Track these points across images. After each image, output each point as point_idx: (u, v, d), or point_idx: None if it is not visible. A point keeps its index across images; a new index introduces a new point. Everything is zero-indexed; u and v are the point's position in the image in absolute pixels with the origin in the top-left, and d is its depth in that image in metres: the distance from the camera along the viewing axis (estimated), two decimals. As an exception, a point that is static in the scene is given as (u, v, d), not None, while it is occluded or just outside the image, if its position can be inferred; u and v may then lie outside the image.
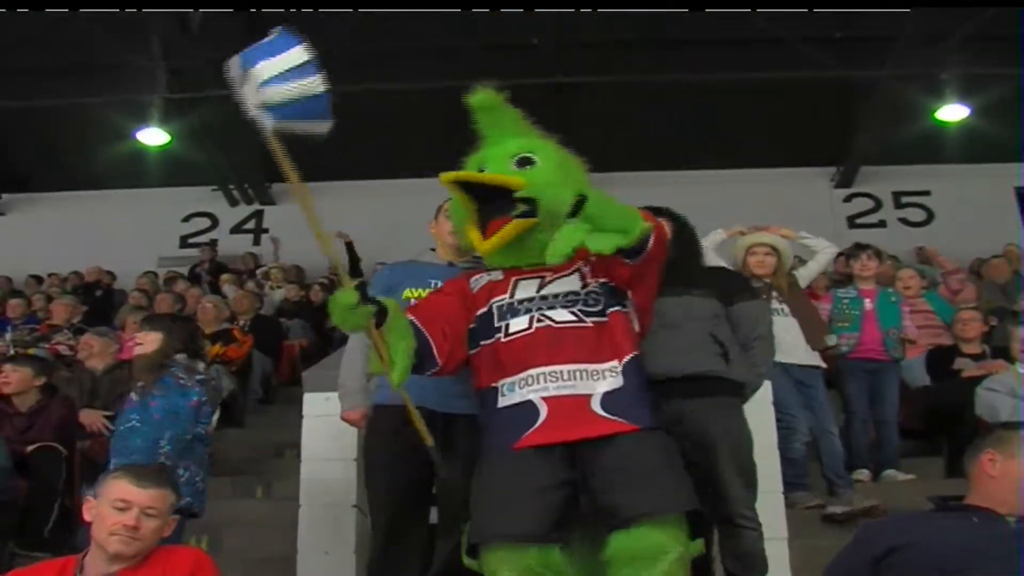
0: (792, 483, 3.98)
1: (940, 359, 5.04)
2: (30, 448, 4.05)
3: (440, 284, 2.53)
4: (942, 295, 6.24)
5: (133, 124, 9.41)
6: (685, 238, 2.78)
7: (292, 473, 3.93)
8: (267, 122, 1.96)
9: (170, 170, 10.45)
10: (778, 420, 3.85)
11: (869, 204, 10.78)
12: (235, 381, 5.86)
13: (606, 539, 2.00)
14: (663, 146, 10.08)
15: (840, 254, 8.15)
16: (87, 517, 2.20)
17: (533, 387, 2.09)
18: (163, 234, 10.99)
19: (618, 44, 9.28)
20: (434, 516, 2.84)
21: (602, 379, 2.09)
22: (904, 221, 10.63)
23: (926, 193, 10.64)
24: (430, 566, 2.80)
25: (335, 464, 3.59)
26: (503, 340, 2.17)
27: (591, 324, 2.14)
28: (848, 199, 10.79)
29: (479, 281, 2.32)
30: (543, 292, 2.20)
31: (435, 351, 2.17)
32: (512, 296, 2.21)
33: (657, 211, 2.83)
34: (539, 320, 2.15)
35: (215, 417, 3.86)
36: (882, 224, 10.60)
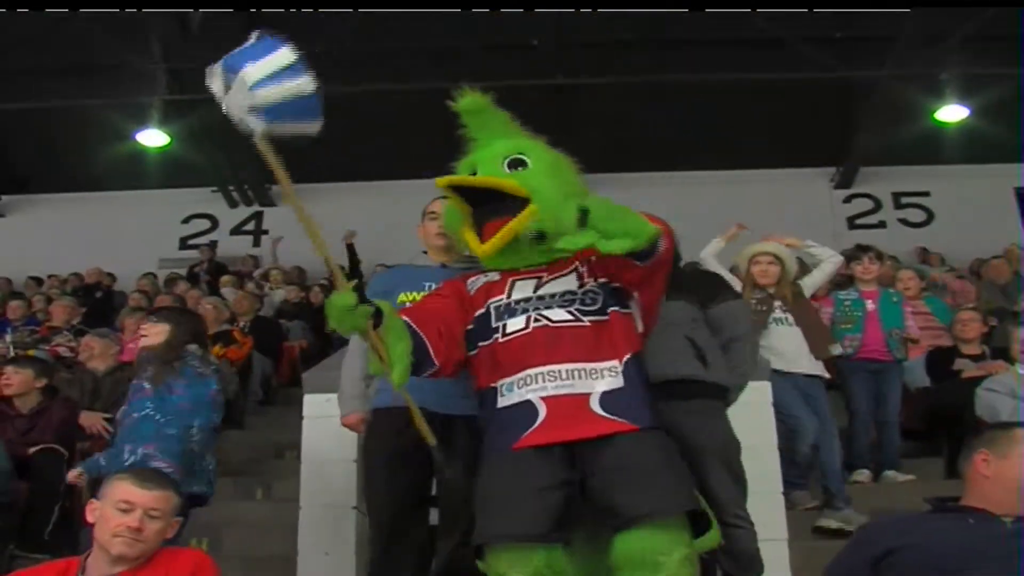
0: (792, 483, 3.98)
1: (940, 360, 5.04)
2: (31, 450, 4.05)
3: (434, 286, 2.52)
4: (948, 303, 6.23)
5: (133, 125, 9.43)
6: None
7: (292, 474, 3.93)
8: (257, 125, 1.96)
9: (170, 171, 10.46)
10: (783, 423, 3.87)
11: (869, 205, 10.79)
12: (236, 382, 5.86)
13: (608, 540, 2.00)
14: (663, 146, 10.09)
15: (840, 254, 8.21)
16: (90, 519, 2.20)
17: (531, 387, 2.08)
18: (163, 235, 11.00)
19: (618, 44, 9.29)
20: (435, 517, 2.84)
21: (601, 378, 2.08)
22: (904, 222, 10.64)
23: (926, 194, 10.65)
24: (430, 567, 2.81)
25: (335, 465, 3.59)
26: (500, 340, 2.16)
27: (588, 323, 2.13)
28: (848, 200, 10.81)
29: (476, 282, 2.32)
30: (540, 292, 2.20)
31: (431, 352, 2.16)
32: (509, 296, 2.21)
33: None
34: (536, 320, 2.15)
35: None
36: (882, 225, 10.61)
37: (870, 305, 4.72)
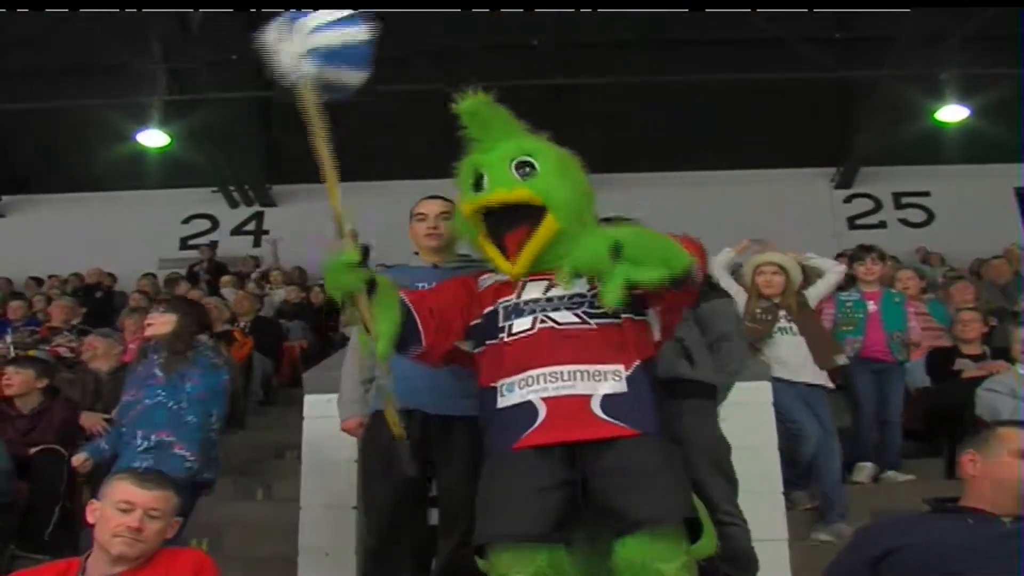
0: (792, 483, 3.99)
1: (940, 360, 5.03)
2: (32, 450, 4.05)
3: (427, 287, 2.53)
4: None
5: (133, 126, 9.43)
6: None
7: (293, 474, 3.93)
8: (310, 69, 2.03)
9: (170, 172, 10.47)
10: (785, 428, 3.87)
11: (869, 205, 10.79)
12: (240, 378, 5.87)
13: (608, 541, 2.00)
14: (663, 146, 10.09)
15: (841, 255, 8.20)
16: (90, 519, 2.20)
17: (533, 387, 2.08)
18: (163, 236, 11.00)
19: (618, 44, 9.30)
20: (434, 518, 2.85)
21: (604, 381, 2.08)
22: (904, 222, 10.64)
23: (926, 194, 10.65)
24: (430, 567, 2.81)
25: (335, 465, 3.59)
26: (506, 340, 2.17)
27: (595, 326, 2.13)
28: (848, 200, 10.81)
29: (486, 281, 2.32)
30: (549, 294, 2.19)
31: (421, 331, 2.18)
32: (519, 297, 2.21)
33: (608, 219, 2.86)
34: (542, 321, 2.15)
35: None
36: (882, 225, 10.61)
37: (872, 306, 4.72)
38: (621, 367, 2.09)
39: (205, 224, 11.29)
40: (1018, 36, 7.66)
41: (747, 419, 3.51)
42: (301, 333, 7.62)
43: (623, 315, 2.15)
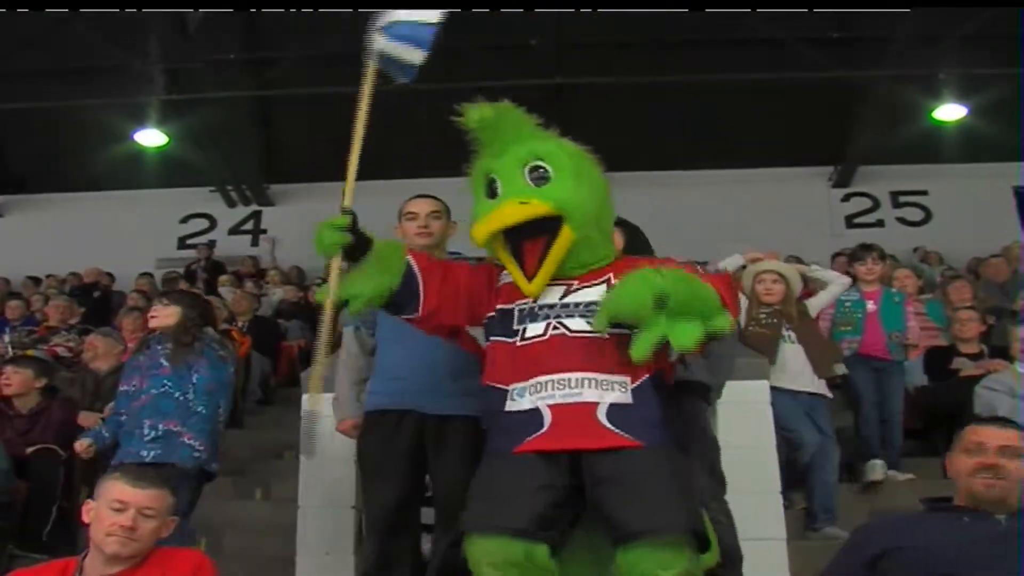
0: (790, 483, 3.99)
1: (938, 359, 5.04)
2: (29, 450, 4.05)
3: None
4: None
5: (131, 125, 9.42)
6: (638, 247, 2.78)
7: (291, 474, 3.92)
8: (377, 43, 2.21)
9: (168, 171, 10.45)
10: (783, 437, 3.86)
11: (867, 204, 10.79)
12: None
13: (609, 550, 1.99)
14: (661, 146, 10.09)
15: (840, 254, 8.21)
16: (85, 519, 2.20)
17: (541, 394, 2.07)
18: (161, 235, 10.99)
19: (618, 44, 9.28)
20: (429, 517, 2.86)
21: (611, 390, 2.06)
22: (902, 221, 10.64)
23: (924, 193, 10.65)
24: (425, 566, 2.81)
25: (334, 465, 3.58)
26: (519, 344, 2.15)
27: (606, 335, 2.09)
28: (846, 199, 10.81)
29: (506, 277, 2.29)
30: (565, 300, 2.18)
31: (421, 298, 2.20)
32: (535, 301, 2.19)
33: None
34: (555, 328, 2.13)
35: None
36: (880, 224, 10.61)
37: (871, 306, 4.72)
38: (627, 379, 2.07)
39: (203, 223, 11.28)
40: (1015, 35, 7.67)
41: (745, 419, 3.52)
42: (299, 332, 7.61)
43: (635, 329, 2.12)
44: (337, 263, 2.16)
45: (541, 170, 2.19)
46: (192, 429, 3.27)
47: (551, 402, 2.06)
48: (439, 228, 2.86)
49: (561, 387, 2.06)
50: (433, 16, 2.23)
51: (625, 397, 2.06)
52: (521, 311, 2.19)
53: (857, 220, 10.67)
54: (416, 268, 2.21)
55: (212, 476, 3.44)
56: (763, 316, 4.29)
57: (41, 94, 9.21)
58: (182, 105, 9.08)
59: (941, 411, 4.71)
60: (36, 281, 9.74)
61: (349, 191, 2.22)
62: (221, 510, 4.36)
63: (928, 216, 10.59)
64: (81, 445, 3.55)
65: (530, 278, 2.16)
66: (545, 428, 2.04)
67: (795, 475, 4.10)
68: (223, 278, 9.04)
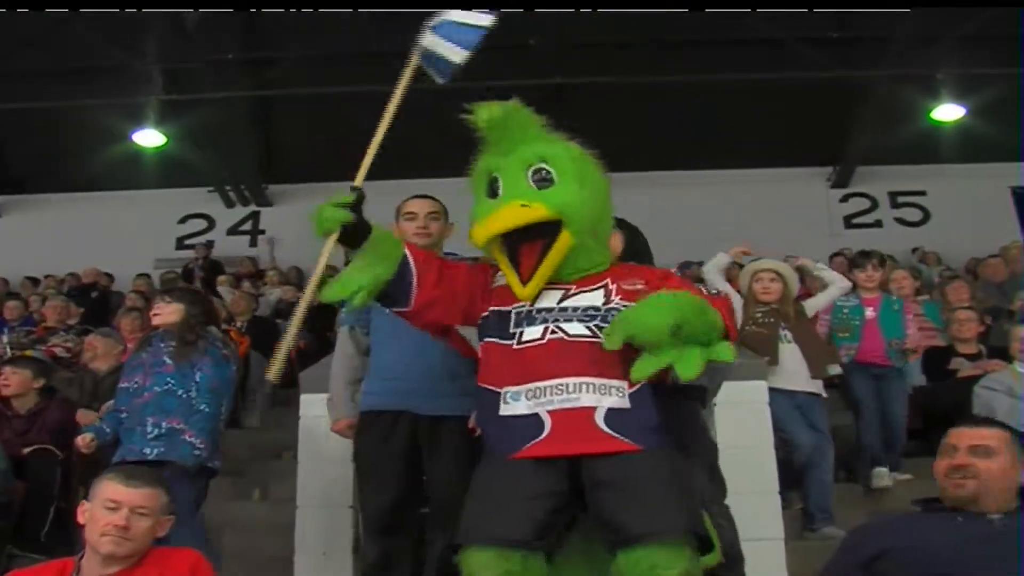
0: (786, 483, 3.99)
1: (936, 359, 5.04)
2: (26, 450, 4.05)
3: None
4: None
5: (129, 126, 9.40)
6: (637, 248, 2.79)
7: (290, 475, 3.93)
8: (423, 39, 2.25)
9: (166, 172, 10.44)
10: (780, 438, 3.86)
11: (865, 204, 10.80)
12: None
13: (603, 549, 1.99)
14: (660, 146, 10.09)
15: (838, 254, 8.22)
16: (81, 520, 2.20)
17: (539, 399, 2.06)
18: (160, 236, 10.98)
19: (618, 44, 9.29)
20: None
21: (608, 395, 2.06)
22: (900, 221, 10.65)
23: (922, 193, 10.66)
24: (423, 565, 2.82)
25: (332, 465, 3.59)
26: (515, 347, 2.14)
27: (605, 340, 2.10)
28: (844, 199, 10.82)
29: (501, 279, 2.28)
30: (563, 304, 2.17)
31: (413, 292, 2.18)
32: (533, 304, 2.19)
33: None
34: (553, 332, 2.12)
35: None
36: (878, 224, 10.62)
37: (870, 312, 4.70)
38: (624, 384, 2.07)
39: (201, 224, 11.27)
40: (1013, 35, 7.69)
41: (742, 419, 3.53)
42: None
43: None
44: (332, 241, 2.13)
45: (545, 173, 2.19)
46: (194, 427, 3.28)
47: (550, 408, 2.05)
48: (437, 229, 2.86)
49: (559, 392, 2.06)
50: (485, 20, 2.25)
51: (623, 402, 2.06)
52: (518, 314, 2.18)
53: (855, 220, 10.68)
54: (412, 261, 2.20)
55: (215, 472, 3.44)
56: (760, 315, 4.29)
57: (39, 94, 9.21)
58: (181, 105, 9.08)
59: (939, 411, 4.69)
60: (34, 281, 9.74)
61: (362, 172, 2.22)
62: (219, 510, 4.36)
63: (926, 216, 10.61)
64: (84, 440, 3.54)
65: (525, 282, 2.16)
66: (545, 434, 2.03)
67: (791, 476, 4.11)
68: (221, 278, 9.03)
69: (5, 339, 6.42)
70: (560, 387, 2.06)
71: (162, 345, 3.46)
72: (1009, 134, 8.71)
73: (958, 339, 5.08)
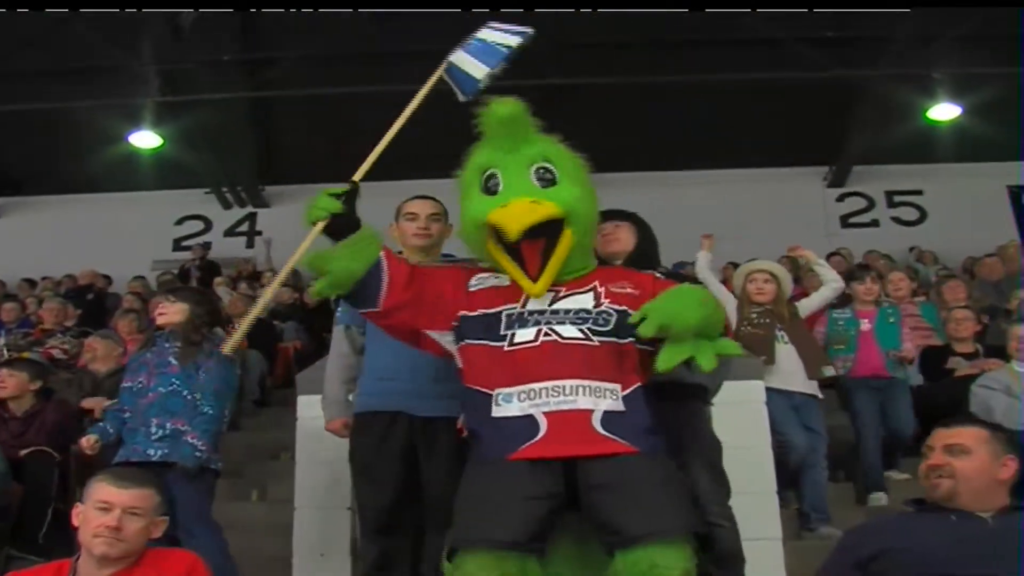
0: (782, 483, 3.99)
1: (934, 359, 5.04)
2: (23, 452, 4.05)
3: None
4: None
5: (126, 127, 9.39)
6: (647, 245, 2.81)
7: (287, 475, 3.93)
8: (455, 53, 2.34)
9: (163, 173, 10.43)
10: (775, 439, 3.86)
11: (862, 203, 10.81)
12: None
13: (600, 557, 1.99)
14: (659, 145, 10.10)
15: (835, 253, 8.22)
16: (75, 522, 2.20)
17: (534, 401, 2.06)
18: (156, 237, 10.97)
19: (618, 44, 9.29)
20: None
21: (604, 398, 2.06)
22: (897, 220, 10.66)
23: (919, 192, 10.67)
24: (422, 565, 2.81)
25: (330, 466, 3.58)
26: (506, 349, 2.14)
27: (598, 343, 2.11)
28: (841, 198, 10.83)
29: (484, 281, 2.29)
30: (554, 306, 2.18)
31: (383, 294, 2.20)
32: (524, 306, 2.19)
33: (622, 214, 2.86)
34: (546, 334, 2.13)
35: None
36: (875, 223, 10.64)
37: (865, 325, 4.68)
38: (618, 387, 2.09)
39: (198, 225, 11.26)
40: (1009, 35, 7.70)
41: (740, 419, 3.52)
42: (295, 334, 7.61)
43: (629, 338, 2.14)
44: (318, 229, 2.17)
45: (548, 172, 2.22)
46: (197, 428, 3.28)
47: (546, 409, 2.05)
48: (438, 230, 2.87)
49: (555, 394, 2.06)
50: (513, 40, 2.34)
51: (617, 405, 2.07)
52: (509, 316, 2.18)
53: (852, 220, 10.70)
54: (385, 263, 2.22)
55: (217, 473, 3.45)
56: (755, 316, 4.29)
57: (35, 95, 9.18)
58: (177, 107, 9.06)
59: (937, 411, 4.68)
60: (31, 283, 9.73)
61: (364, 168, 2.27)
62: (217, 511, 4.32)
63: (923, 216, 10.62)
64: (88, 441, 3.52)
65: (534, 279, 2.17)
66: (540, 435, 2.03)
67: (786, 476, 4.11)
68: (218, 280, 9.02)
69: (2, 341, 6.41)
70: (556, 389, 2.06)
71: (167, 345, 3.46)
72: (1005, 133, 8.73)
73: (955, 338, 5.08)
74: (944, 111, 9.15)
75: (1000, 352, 4.65)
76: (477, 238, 2.25)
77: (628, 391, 2.09)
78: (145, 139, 9.49)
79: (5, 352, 5.95)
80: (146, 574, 2.13)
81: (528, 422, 2.05)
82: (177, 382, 3.35)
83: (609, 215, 2.83)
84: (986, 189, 10.11)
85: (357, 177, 2.23)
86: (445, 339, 2.26)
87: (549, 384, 2.07)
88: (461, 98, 2.33)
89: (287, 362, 7.12)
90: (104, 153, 9.78)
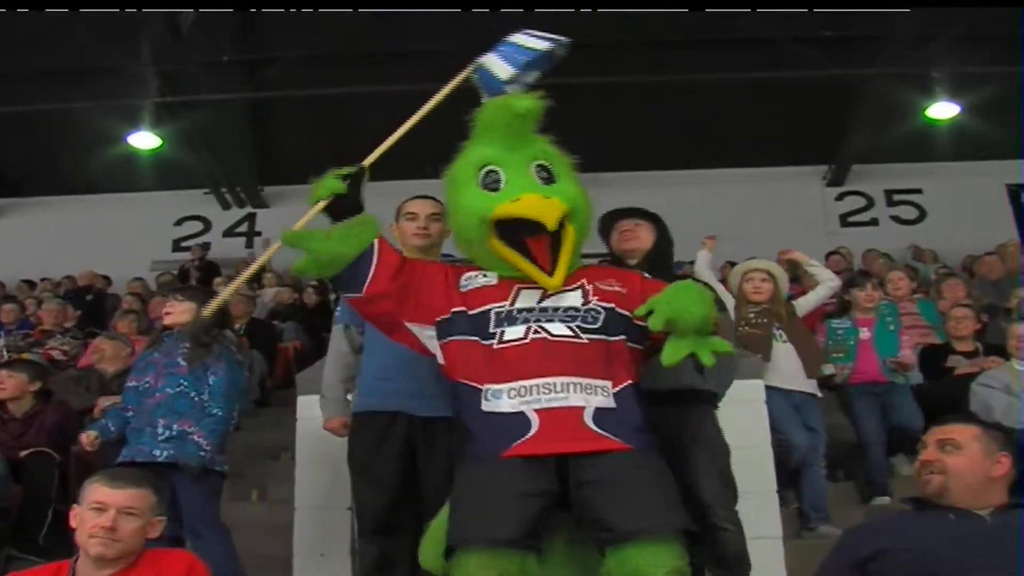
0: (782, 482, 3.99)
1: (933, 357, 5.04)
2: (23, 453, 4.05)
3: None
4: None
5: (125, 128, 9.39)
6: (666, 242, 2.81)
7: (287, 476, 3.92)
8: (485, 55, 2.37)
9: (162, 174, 10.43)
10: (775, 438, 3.85)
11: (861, 202, 10.82)
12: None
13: (590, 548, 1.99)
14: (658, 145, 10.10)
15: (834, 252, 8.22)
16: (72, 524, 2.21)
17: (525, 398, 2.06)
18: (156, 238, 10.97)
19: (617, 44, 9.28)
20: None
21: (595, 395, 2.07)
22: (896, 219, 10.67)
23: (918, 191, 10.68)
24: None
25: (330, 467, 3.57)
26: (495, 347, 2.14)
27: (587, 340, 2.13)
28: (840, 197, 10.83)
29: (472, 280, 2.28)
30: (544, 304, 2.19)
31: (368, 280, 2.19)
32: (512, 304, 2.20)
33: (644, 213, 2.86)
34: (535, 332, 2.14)
35: None
36: (874, 222, 10.64)
37: (865, 333, 4.67)
38: (609, 384, 2.10)
39: (197, 226, 11.25)
40: (1007, 34, 7.70)
41: (741, 418, 3.50)
42: (294, 334, 7.60)
43: (619, 336, 2.16)
44: (319, 208, 2.20)
45: (546, 169, 2.25)
46: (204, 429, 3.27)
47: (537, 406, 2.05)
48: (438, 230, 2.86)
49: (547, 391, 2.06)
50: (542, 44, 2.42)
51: (608, 402, 2.08)
52: (498, 314, 2.19)
53: (851, 219, 10.70)
54: (377, 250, 2.22)
55: (223, 475, 3.43)
56: (752, 316, 4.29)
57: (34, 97, 9.18)
58: (176, 107, 9.06)
59: (937, 409, 4.68)
60: (31, 284, 9.72)
61: (375, 155, 2.31)
62: (217, 512, 4.35)
63: (922, 214, 10.62)
64: (88, 437, 3.52)
65: (549, 272, 2.20)
66: (532, 432, 2.03)
67: (786, 475, 4.11)
68: (217, 280, 9.01)
69: (2, 342, 6.41)
70: (547, 386, 2.07)
71: (176, 346, 3.44)
72: (1004, 132, 8.73)
73: (955, 337, 5.08)
74: (943, 110, 9.15)
75: (1000, 350, 4.66)
76: (477, 233, 2.24)
77: (619, 388, 2.10)
78: (144, 140, 9.48)
79: (4, 353, 5.95)
80: (144, 574, 2.12)
81: (519, 419, 2.05)
82: (185, 383, 3.34)
83: (630, 213, 2.85)
84: (985, 188, 10.11)
85: (367, 162, 2.23)
86: (425, 333, 2.26)
87: (540, 381, 2.07)
88: (486, 99, 2.35)
89: (287, 362, 7.11)
90: (103, 154, 9.78)
